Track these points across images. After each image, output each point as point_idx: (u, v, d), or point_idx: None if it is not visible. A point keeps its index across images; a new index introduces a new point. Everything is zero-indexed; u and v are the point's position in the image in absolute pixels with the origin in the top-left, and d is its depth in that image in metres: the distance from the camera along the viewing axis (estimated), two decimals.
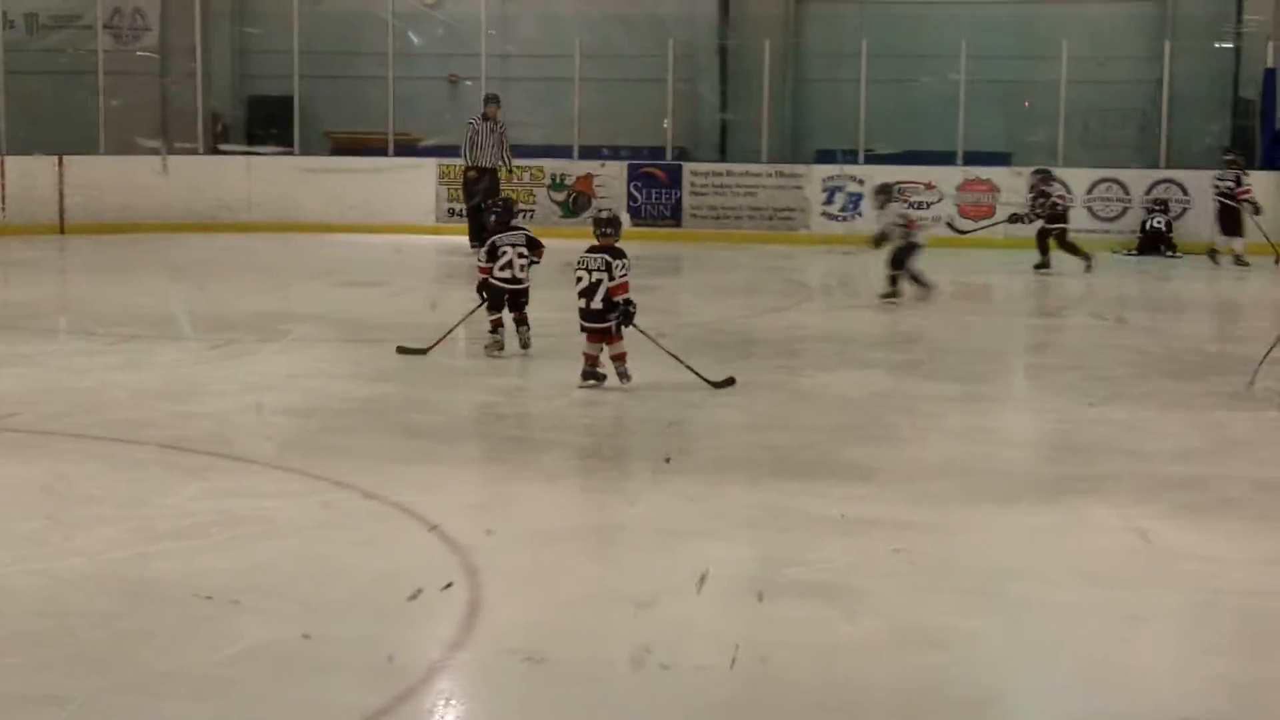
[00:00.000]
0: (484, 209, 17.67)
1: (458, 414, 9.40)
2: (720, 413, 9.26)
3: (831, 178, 20.33)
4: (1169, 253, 19.07)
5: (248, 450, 8.12)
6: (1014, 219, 17.39)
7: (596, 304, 9.61)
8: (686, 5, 23.16)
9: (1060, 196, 17.42)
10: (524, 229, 11.04)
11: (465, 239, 18.29)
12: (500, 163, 18.50)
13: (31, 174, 19.77)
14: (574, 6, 23.11)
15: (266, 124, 22.48)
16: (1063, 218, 17.12)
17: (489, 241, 10.82)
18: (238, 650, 5.24)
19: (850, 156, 20.41)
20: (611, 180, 20.70)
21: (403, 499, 7.01)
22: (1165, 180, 19.62)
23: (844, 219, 20.18)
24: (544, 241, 10.88)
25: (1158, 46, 20.88)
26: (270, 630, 5.42)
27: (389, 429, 8.84)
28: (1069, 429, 9.13)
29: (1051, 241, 16.95)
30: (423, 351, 10.59)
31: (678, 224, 20.49)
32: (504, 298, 10.72)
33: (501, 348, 10.69)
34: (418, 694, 4.90)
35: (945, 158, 20.11)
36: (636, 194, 20.50)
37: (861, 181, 19.96)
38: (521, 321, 10.81)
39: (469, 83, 22.39)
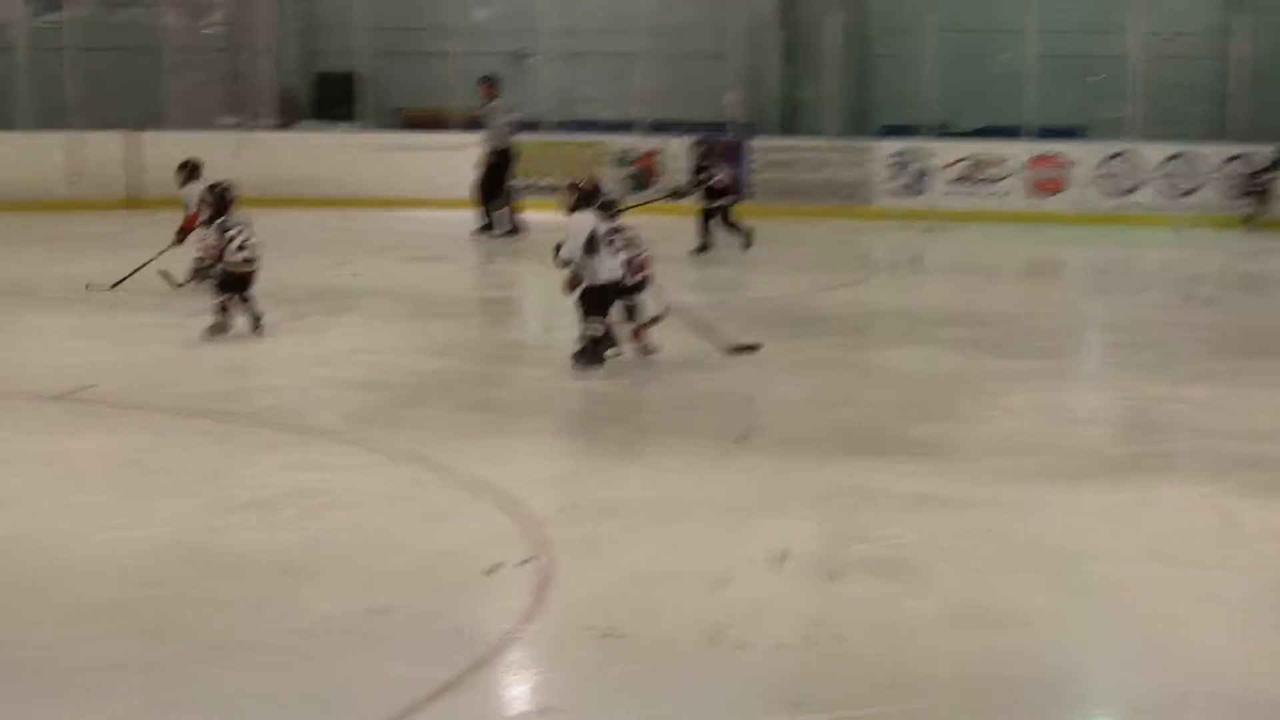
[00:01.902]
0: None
1: (522, 388, 9.41)
2: (788, 389, 9.25)
3: (898, 153, 20.21)
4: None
5: (318, 423, 8.20)
6: (675, 194, 16.50)
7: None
8: None
9: (723, 173, 16.17)
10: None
11: (533, 215, 17.93)
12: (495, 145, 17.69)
13: (102, 150, 19.93)
14: None
15: (334, 100, 22.53)
16: (726, 193, 15.96)
17: (217, 223, 10.69)
18: (309, 621, 5.30)
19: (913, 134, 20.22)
20: (677, 156, 20.63)
21: (471, 472, 7.05)
22: (1236, 156, 19.37)
23: (911, 194, 20.06)
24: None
25: (1230, 21, 20.62)
26: (341, 602, 5.48)
27: (456, 403, 8.88)
28: (1142, 407, 9.05)
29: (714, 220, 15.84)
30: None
31: (742, 199, 20.40)
32: (244, 280, 10.63)
33: (227, 329, 10.59)
34: (488, 666, 4.94)
35: (1015, 132, 19.92)
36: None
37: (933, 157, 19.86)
38: (248, 300, 10.69)
39: (535, 58, 22.37)
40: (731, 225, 15.81)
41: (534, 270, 9.90)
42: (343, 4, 22.15)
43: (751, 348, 9.94)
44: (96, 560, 5.96)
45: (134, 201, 20.05)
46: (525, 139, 19.68)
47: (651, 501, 6.88)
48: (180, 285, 11.02)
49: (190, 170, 13.40)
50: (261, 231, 10.76)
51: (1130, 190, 19.58)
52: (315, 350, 10.41)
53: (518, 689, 4.91)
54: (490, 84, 17.92)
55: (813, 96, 21.71)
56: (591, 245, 9.49)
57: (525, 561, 5.82)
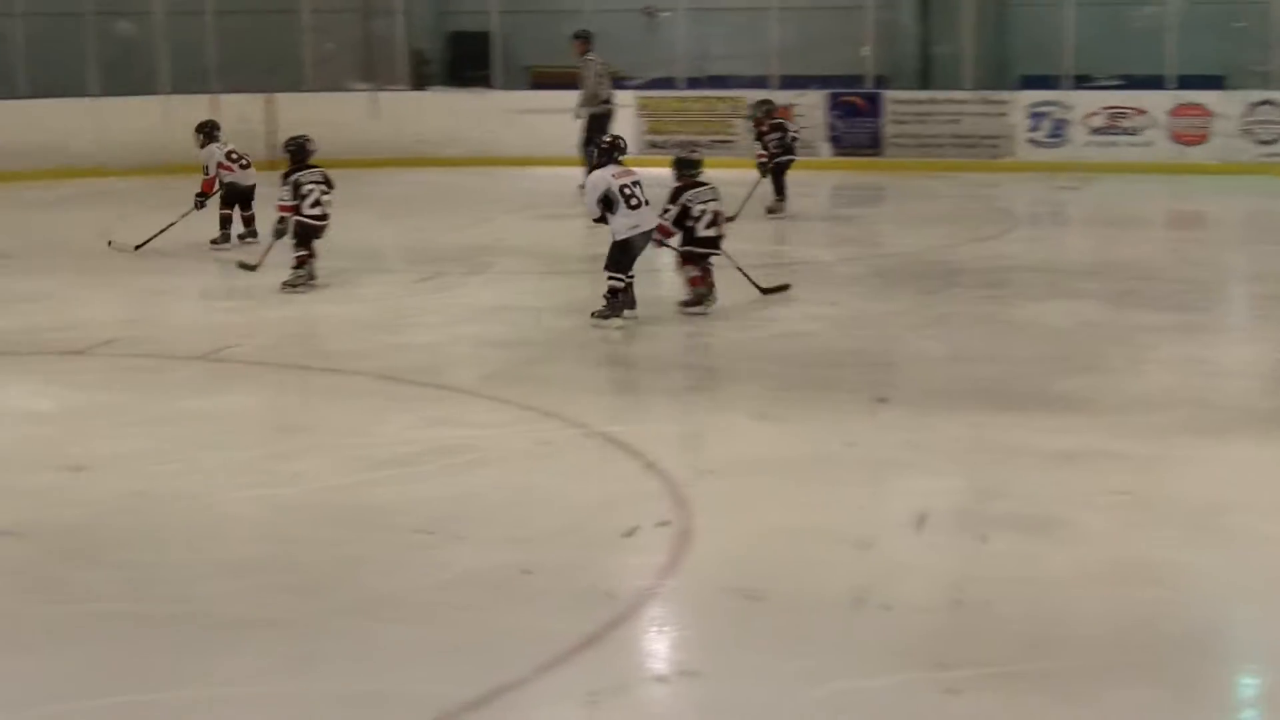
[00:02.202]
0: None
1: (659, 344, 9.40)
2: (926, 345, 9.15)
3: (1037, 105, 19.89)
4: None
5: (458, 380, 8.27)
6: (763, 170, 15.01)
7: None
8: None
9: (796, 129, 15.66)
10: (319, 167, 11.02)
11: (662, 171, 17.83)
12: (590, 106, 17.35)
13: (243, 112, 20.17)
14: None
15: (467, 61, 22.60)
16: (792, 150, 15.23)
17: (293, 179, 10.84)
18: (451, 576, 5.35)
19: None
20: (811, 110, 20.47)
21: (610, 429, 7.07)
22: None
23: (1051, 145, 19.75)
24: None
25: None
26: (483, 557, 5.52)
27: (594, 360, 8.91)
28: None
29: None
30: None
31: (878, 153, 20.24)
32: (316, 234, 10.86)
33: (314, 277, 10.87)
34: (629, 621, 4.95)
35: (1157, 82, 19.50)
36: (836, 123, 20.26)
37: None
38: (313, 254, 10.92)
39: (666, 14, 22.29)
40: (783, 183, 15.06)
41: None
42: None
43: (783, 287, 10.21)
44: (238, 516, 6.07)
45: (273, 163, 20.28)
46: (658, 95, 19.69)
47: (791, 459, 6.83)
48: (256, 267, 11.17)
49: (208, 132, 13.44)
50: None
51: (1276, 140, 19.12)
52: (452, 308, 10.50)
53: (658, 647, 4.90)
54: (584, 39, 17.76)
55: (949, 49, 21.42)
56: (608, 202, 9.57)
57: (663, 524, 5.81)
